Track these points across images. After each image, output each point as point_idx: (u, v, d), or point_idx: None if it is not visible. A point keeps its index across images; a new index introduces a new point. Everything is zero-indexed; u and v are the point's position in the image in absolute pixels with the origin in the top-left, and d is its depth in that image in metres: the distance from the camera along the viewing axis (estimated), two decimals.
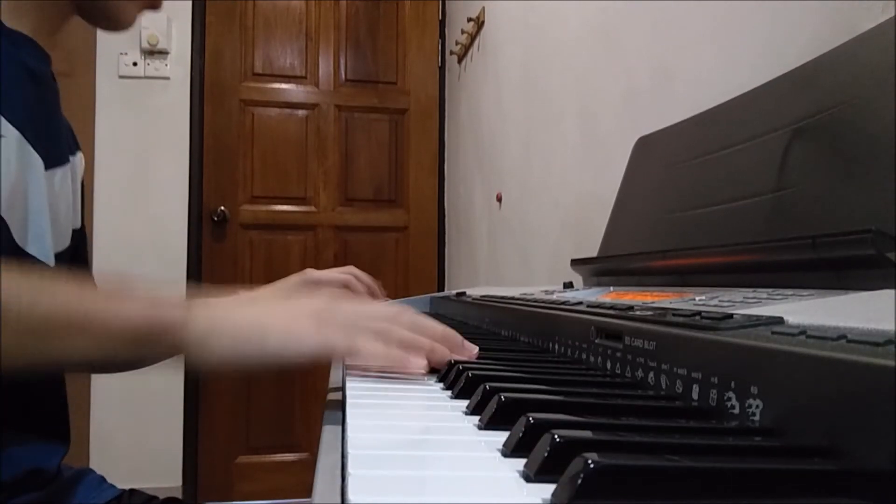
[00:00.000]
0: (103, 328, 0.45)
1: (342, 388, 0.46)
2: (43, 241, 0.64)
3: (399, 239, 2.72)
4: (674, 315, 0.41)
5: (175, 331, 0.45)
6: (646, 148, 0.92)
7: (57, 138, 0.69)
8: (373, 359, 0.48)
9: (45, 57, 0.68)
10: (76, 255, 0.76)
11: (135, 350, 0.46)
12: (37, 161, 0.63)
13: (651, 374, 0.40)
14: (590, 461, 0.22)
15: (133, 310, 0.45)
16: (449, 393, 0.44)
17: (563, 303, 0.63)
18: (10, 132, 0.59)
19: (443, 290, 2.61)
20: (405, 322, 0.51)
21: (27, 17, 0.65)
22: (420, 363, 0.49)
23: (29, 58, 0.65)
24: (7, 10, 0.63)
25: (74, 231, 0.74)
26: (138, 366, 0.49)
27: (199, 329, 0.45)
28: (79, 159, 0.77)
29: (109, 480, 0.78)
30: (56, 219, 0.68)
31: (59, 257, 0.68)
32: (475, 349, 0.54)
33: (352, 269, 1.00)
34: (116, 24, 0.71)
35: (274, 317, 0.47)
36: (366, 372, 0.51)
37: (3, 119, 0.58)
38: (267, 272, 2.57)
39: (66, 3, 0.68)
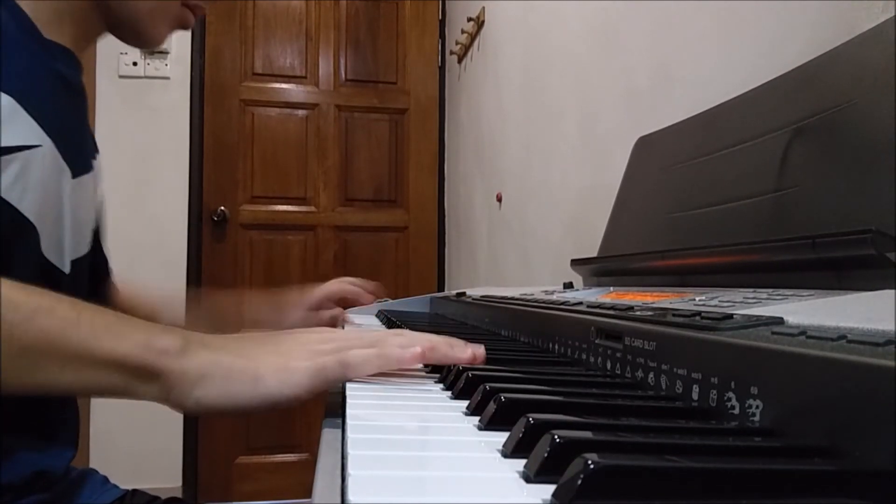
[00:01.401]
0: (94, 360, 0.43)
1: (342, 389, 0.46)
2: (61, 248, 0.65)
3: (399, 239, 2.72)
4: (674, 315, 0.41)
5: (165, 376, 0.44)
6: (646, 148, 0.92)
7: (84, 147, 0.70)
8: (366, 365, 0.46)
9: (79, 67, 0.69)
10: (96, 256, 0.76)
11: (123, 386, 0.44)
12: (65, 170, 0.64)
13: (651, 375, 0.40)
14: (590, 462, 0.22)
15: (130, 339, 0.44)
16: (449, 393, 0.44)
17: (563, 303, 0.63)
18: (46, 142, 0.60)
19: (443, 290, 2.61)
20: (396, 338, 0.50)
21: (65, 30, 0.66)
22: (415, 351, 0.47)
23: (65, 68, 0.66)
24: (47, 23, 0.63)
25: (93, 231, 0.75)
26: (122, 398, 0.48)
27: (191, 376, 0.44)
28: (99, 160, 0.77)
29: (109, 480, 0.78)
30: (78, 225, 0.68)
31: (78, 262, 0.69)
32: (480, 350, 0.51)
33: (342, 279, 1.02)
34: (147, 42, 0.71)
35: (265, 357, 0.46)
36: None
37: (42, 130, 0.59)
38: (267, 272, 2.57)
39: (100, 19, 0.69)
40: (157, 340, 0.44)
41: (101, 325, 0.45)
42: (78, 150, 0.68)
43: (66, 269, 0.66)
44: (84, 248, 0.71)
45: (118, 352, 0.43)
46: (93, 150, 0.75)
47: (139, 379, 0.44)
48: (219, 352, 0.46)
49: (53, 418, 0.67)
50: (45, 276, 0.62)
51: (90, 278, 0.75)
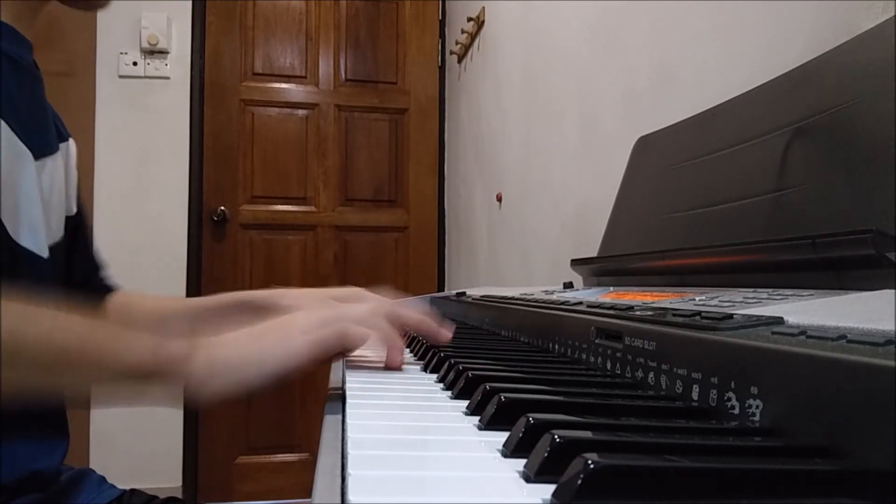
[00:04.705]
0: (113, 364, 0.46)
1: (342, 388, 0.46)
2: (37, 233, 0.64)
3: (399, 239, 2.72)
4: (674, 315, 0.41)
5: (178, 370, 0.47)
6: (646, 148, 0.92)
7: (45, 128, 0.68)
8: (362, 339, 0.51)
9: (26, 44, 0.67)
10: (72, 244, 0.75)
11: (139, 386, 0.47)
12: (25, 152, 0.63)
13: (651, 375, 0.40)
14: (590, 461, 0.22)
15: (140, 348, 0.47)
16: (449, 393, 0.44)
17: (563, 303, 0.63)
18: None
19: (443, 290, 2.61)
20: (385, 313, 0.57)
21: (4, 5, 0.64)
22: (399, 347, 0.56)
23: (10, 46, 0.63)
24: None
25: (68, 218, 0.74)
26: (138, 404, 0.51)
27: (199, 375, 0.47)
28: (70, 146, 0.76)
29: (109, 480, 0.78)
30: (48, 210, 0.67)
31: (54, 249, 0.68)
32: (448, 334, 0.61)
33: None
34: (92, 2, 0.71)
35: (268, 337, 0.50)
36: (363, 363, 0.54)
37: None
38: (267, 272, 2.57)
39: None
40: (165, 348, 0.47)
41: (113, 337, 0.48)
42: (37, 131, 0.66)
43: (45, 254, 0.65)
44: (58, 234, 0.70)
45: (133, 360, 0.46)
46: (62, 132, 0.74)
47: (153, 377, 0.47)
48: (222, 348, 0.49)
49: (42, 411, 0.66)
50: (22, 262, 0.62)
51: (78, 270, 0.75)
